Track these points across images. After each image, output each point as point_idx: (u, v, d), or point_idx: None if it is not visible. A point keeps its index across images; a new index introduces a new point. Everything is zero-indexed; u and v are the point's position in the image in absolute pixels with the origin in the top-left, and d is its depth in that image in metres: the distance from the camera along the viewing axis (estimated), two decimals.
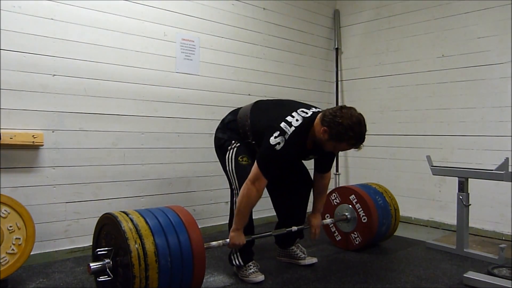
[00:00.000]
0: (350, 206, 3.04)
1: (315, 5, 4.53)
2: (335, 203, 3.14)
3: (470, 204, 2.97)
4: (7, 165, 2.63)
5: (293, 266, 2.69)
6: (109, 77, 3.05)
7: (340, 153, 4.67)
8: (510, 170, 2.72)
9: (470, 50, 3.69)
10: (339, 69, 4.69)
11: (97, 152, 3.00)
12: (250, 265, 2.46)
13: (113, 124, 3.08)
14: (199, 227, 2.06)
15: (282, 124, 2.21)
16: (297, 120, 2.24)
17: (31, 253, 2.44)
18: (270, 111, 2.39)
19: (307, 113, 2.30)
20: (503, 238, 3.46)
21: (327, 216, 3.14)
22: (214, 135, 2.62)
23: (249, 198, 2.21)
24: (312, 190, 2.69)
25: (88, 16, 2.93)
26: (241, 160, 2.39)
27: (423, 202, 4.03)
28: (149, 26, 3.24)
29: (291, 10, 4.29)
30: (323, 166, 2.59)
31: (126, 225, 1.85)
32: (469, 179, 2.96)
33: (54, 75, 2.80)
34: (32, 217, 2.43)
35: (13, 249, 2.32)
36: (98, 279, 1.96)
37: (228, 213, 2.58)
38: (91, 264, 1.91)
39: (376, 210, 2.94)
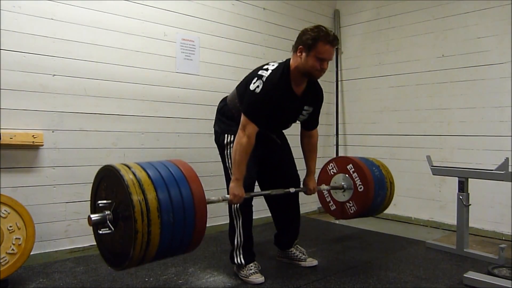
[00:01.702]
0: (347, 175, 3.00)
1: (315, 5, 4.53)
2: (332, 173, 3.10)
3: (470, 204, 2.97)
4: (7, 165, 2.63)
5: (293, 266, 2.69)
6: (109, 77, 3.05)
7: (340, 153, 4.67)
8: (510, 170, 2.72)
9: (470, 50, 3.69)
10: (339, 69, 4.70)
11: (97, 152, 3.00)
12: (251, 266, 2.46)
13: (113, 124, 3.08)
14: None
15: (259, 72, 2.33)
16: (273, 65, 2.35)
17: (31, 253, 2.44)
18: (248, 74, 2.48)
19: (282, 60, 2.41)
20: (503, 238, 3.46)
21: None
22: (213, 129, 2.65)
23: (240, 145, 2.25)
24: (302, 151, 2.69)
25: (88, 16, 2.93)
26: None
27: (423, 202, 4.03)
28: (149, 26, 3.24)
29: (291, 10, 4.29)
30: (310, 121, 2.59)
31: (128, 178, 1.79)
32: (469, 179, 2.96)
33: (54, 75, 2.80)
34: (32, 217, 2.43)
35: (13, 249, 2.32)
36: (98, 231, 1.91)
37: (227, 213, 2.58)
38: (91, 216, 1.87)
39: (373, 179, 2.92)
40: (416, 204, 4.08)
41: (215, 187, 3.63)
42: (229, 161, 2.44)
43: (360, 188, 2.91)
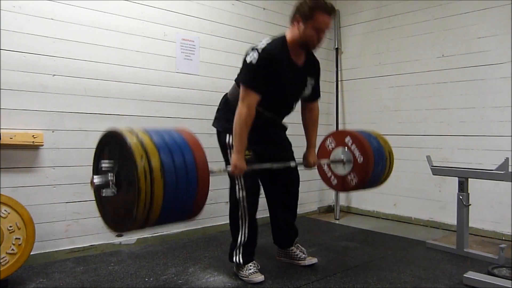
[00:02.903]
0: (346, 148, 2.99)
1: None
2: (331, 148, 3.08)
3: (470, 204, 2.97)
4: (7, 165, 2.63)
5: (293, 266, 2.69)
6: (109, 77, 3.05)
7: None
8: (510, 170, 2.72)
9: (470, 50, 3.69)
10: (339, 69, 4.69)
11: None
12: (250, 266, 2.45)
13: (113, 124, 3.07)
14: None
15: (254, 46, 2.31)
16: (267, 40, 2.34)
17: (31, 253, 2.44)
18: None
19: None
20: (503, 238, 3.46)
21: (324, 164, 3.12)
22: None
23: (240, 116, 2.24)
24: (303, 126, 2.69)
25: (88, 16, 2.93)
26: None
27: (423, 202, 4.03)
28: (149, 26, 3.24)
29: (291, 10, 4.27)
30: (312, 91, 2.57)
31: (132, 141, 1.78)
32: (469, 179, 2.96)
33: (54, 75, 2.80)
34: (32, 217, 2.43)
35: (13, 249, 2.33)
36: (101, 194, 1.89)
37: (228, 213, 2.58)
38: (94, 177, 1.87)
39: (372, 149, 2.90)
40: (416, 204, 4.08)
41: (215, 187, 3.60)
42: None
43: (360, 159, 2.88)
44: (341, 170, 3.00)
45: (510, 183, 2.84)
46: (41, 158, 2.76)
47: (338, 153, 3.00)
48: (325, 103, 4.55)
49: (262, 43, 2.30)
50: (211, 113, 3.58)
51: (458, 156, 3.76)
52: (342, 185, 2.99)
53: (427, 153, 3.32)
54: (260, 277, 2.41)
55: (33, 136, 2.67)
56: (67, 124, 2.86)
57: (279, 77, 2.29)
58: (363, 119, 4.53)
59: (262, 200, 2.73)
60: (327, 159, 2.99)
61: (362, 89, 4.54)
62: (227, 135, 2.44)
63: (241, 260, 2.45)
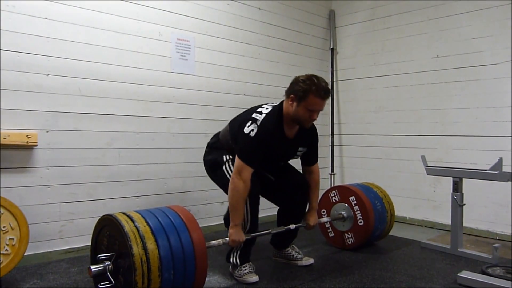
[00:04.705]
0: (348, 206, 3.04)
1: (311, 5, 4.54)
2: (334, 201, 3.15)
3: (464, 204, 2.98)
4: (1, 166, 2.62)
5: (288, 266, 2.70)
6: (104, 77, 3.04)
7: (336, 153, 4.69)
8: (503, 170, 2.74)
9: (464, 50, 3.71)
10: (334, 69, 4.70)
11: (91, 152, 2.99)
12: (246, 266, 2.46)
13: (108, 124, 3.07)
14: None
15: (253, 115, 2.35)
16: (266, 108, 2.39)
17: (25, 254, 2.44)
18: (242, 114, 2.52)
19: (276, 103, 2.45)
20: (497, 238, 3.48)
21: (323, 212, 3.17)
22: (203, 161, 2.69)
23: (237, 191, 2.26)
24: None
25: (82, 15, 2.91)
26: None
27: (418, 202, 4.05)
28: (144, 25, 3.23)
29: (287, 10, 4.29)
30: (309, 158, 2.63)
31: (127, 227, 1.86)
32: (463, 179, 2.98)
33: (49, 74, 2.78)
34: (26, 218, 2.43)
35: (6, 250, 2.31)
36: (99, 285, 1.94)
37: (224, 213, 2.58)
38: (91, 267, 1.91)
39: (374, 215, 2.96)
40: (411, 204, 4.09)
41: (210, 187, 3.61)
42: (231, 172, 2.42)
43: (360, 222, 2.96)
44: (340, 225, 3.09)
45: (506, 183, 2.85)
46: (36, 158, 2.75)
47: (340, 208, 3.07)
48: None
49: (261, 114, 2.34)
50: (206, 113, 3.61)
51: (452, 156, 3.78)
52: (339, 241, 3.13)
53: (421, 153, 3.34)
54: (254, 278, 2.41)
55: (27, 136, 2.65)
56: (61, 124, 2.84)
57: (271, 149, 2.35)
58: (358, 119, 4.54)
59: (261, 201, 2.73)
60: (329, 218, 3.08)
61: (357, 89, 4.55)
62: (224, 156, 2.53)
63: (237, 261, 2.46)
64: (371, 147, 4.40)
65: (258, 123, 2.29)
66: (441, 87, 3.87)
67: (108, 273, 1.91)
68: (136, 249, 1.79)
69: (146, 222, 1.93)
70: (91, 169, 2.99)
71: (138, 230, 1.86)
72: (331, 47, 4.68)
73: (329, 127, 4.73)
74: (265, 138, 2.29)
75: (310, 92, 2.24)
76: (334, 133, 4.71)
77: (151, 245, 1.83)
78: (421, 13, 4.00)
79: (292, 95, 2.30)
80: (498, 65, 3.50)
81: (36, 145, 2.72)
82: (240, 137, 2.33)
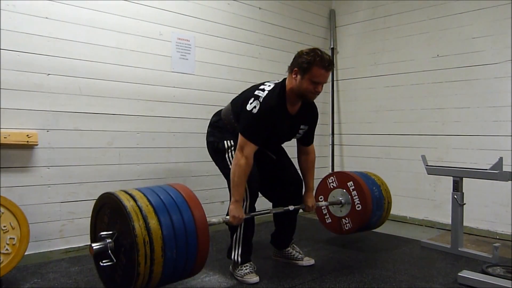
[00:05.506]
0: (346, 191, 3.03)
1: (311, 5, 4.54)
2: (332, 187, 3.14)
3: (464, 203, 2.99)
4: (2, 165, 2.62)
5: (289, 266, 2.70)
6: (105, 77, 3.04)
7: (336, 152, 4.69)
8: (503, 170, 2.74)
9: (464, 50, 3.71)
10: (334, 68, 4.70)
11: (92, 151, 2.99)
12: (247, 266, 2.45)
13: (108, 124, 3.07)
14: None
15: (256, 92, 2.35)
16: (269, 86, 2.39)
17: (26, 253, 2.44)
18: (244, 92, 2.53)
19: (278, 80, 2.46)
20: (497, 237, 3.49)
21: (321, 198, 3.17)
22: (206, 142, 2.66)
23: (239, 166, 2.27)
24: (300, 169, 2.72)
25: (83, 15, 2.91)
26: None
27: (418, 202, 4.05)
28: (144, 25, 3.23)
29: (287, 10, 4.29)
30: (307, 137, 2.63)
31: (129, 206, 1.82)
32: (463, 178, 2.98)
33: (49, 74, 2.79)
34: (27, 217, 2.43)
35: (7, 249, 2.31)
36: (100, 263, 1.92)
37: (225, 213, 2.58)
38: (92, 244, 1.88)
39: (372, 200, 2.95)
40: (411, 203, 4.09)
41: (210, 186, 3.64)
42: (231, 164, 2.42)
43: (358, 207, 2.96)
44: (337, 211, 3.08)
45: (506, 182, 2.85)
46: (36, 157, 2.75)
47: (338, 194, 3.07)
48: (320, 103, 4.55)
49: (264, 91, 2.34)
50: (207, 113, 3.60)
51: (453, 156, 3.78)
52: (336, 227, 3.13)
53: (422, 153, 3.34)
54: (255, 278, 2.41)
55: (27, 135, 2.65)
56: (62, 124, 2.84)
57: (274, 125, 2.36)
58: (358, 118, 4.54)
59: (260, 200, 2.73)
60: (326, 202, 3.06)
61: (358, 89, 4.55)
62: (225, 141, 2.51)
63: (239, 259, 2.46)
64: (371, 147, 4.40)
65: (261, 99, 2.29)
66: (441, 87, 3.87)
67: (110, 251, 1.88)
68: (139, 229, 1.75)
69: (148, 200, 1.88)
70: (91, 168, 2.99)
71: (140, 210, 1.81)
72: (331, 46, 4.68)
73: (329, 126, 4.73)
74: (267, 115, 2.29)
75: (315, 63, 2.23)
76: (335, 132, 4.71)
77: (154, 224, 1.79)
78: (422, 12, 4.00)
79: (296, 68, 2.30)
80: (498, 64, 3.50)
81: (37, 145, 2.72)
82: (242, 115, 2.34)
